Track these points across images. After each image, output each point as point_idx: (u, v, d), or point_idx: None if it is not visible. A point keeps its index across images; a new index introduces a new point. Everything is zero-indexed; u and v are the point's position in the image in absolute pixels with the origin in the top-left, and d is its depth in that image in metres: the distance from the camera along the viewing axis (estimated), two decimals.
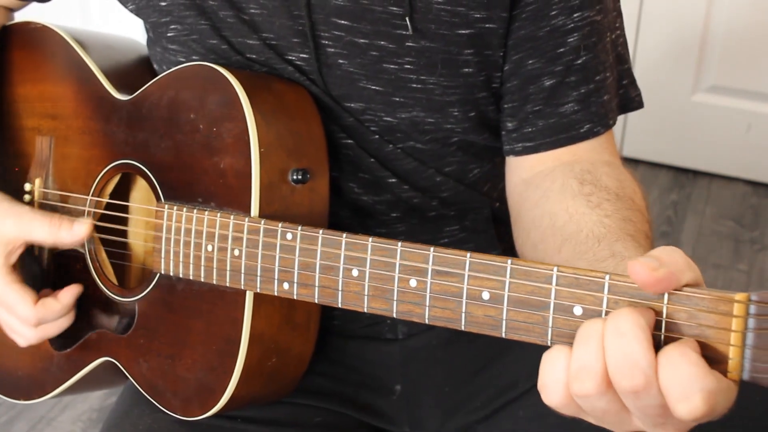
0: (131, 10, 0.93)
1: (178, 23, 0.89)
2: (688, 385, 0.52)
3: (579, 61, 0.84)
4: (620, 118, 0.90)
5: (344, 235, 0.71)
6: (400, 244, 0.67)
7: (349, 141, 0.88)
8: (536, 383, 0.88)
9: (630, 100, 0.92)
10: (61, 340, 0.95)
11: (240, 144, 0.80)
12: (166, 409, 0.87)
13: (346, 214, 0.92)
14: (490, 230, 0.97)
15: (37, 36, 1.00)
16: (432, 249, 0.65)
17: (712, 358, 0.54)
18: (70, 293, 0.91)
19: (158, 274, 0.86)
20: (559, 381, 0.57)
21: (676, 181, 2.58)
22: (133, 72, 0.99)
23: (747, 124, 2.49)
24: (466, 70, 0.85)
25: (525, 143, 0.87)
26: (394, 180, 0.90)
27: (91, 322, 0.93)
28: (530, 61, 0.85)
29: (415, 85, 0.85)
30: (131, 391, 0.93)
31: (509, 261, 0.61)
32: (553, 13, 0.83)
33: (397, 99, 0.86)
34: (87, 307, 0.93)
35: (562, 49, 0.84)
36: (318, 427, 0.93)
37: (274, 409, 0.92)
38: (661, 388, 0.53)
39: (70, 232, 0.89)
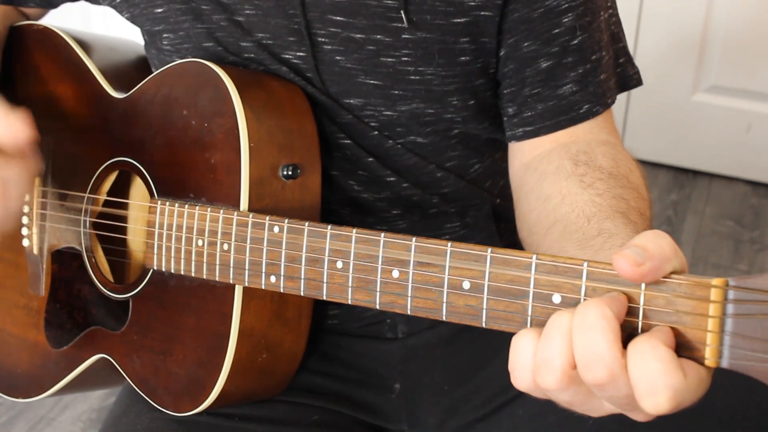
0: (127, 18, 0.94)
1: (171, 32, 0.90)
2: (655, 381, 0.51)
3: (575, 42, 0.84)
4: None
5: (329, 227, 0.71)
6: (383, 235, 0.67)
7: (347, 141, 0.88)
8: None
9: (629, 78, 0.91)
10: (58, 337, 0.96)
11: (230, 139, 0.80)
12: (158, 405, 0.87)
13: (347, 211, 0.92)
14: (491, 227, 0.97)
15: (39, 37, 1.00)
16: (414, 239, 0.65)
17: (690, 344, 0.53)
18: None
19: (151, 270, 0.86)
20: (526, 367, 0.56)
21: (676, 181, 2.57)
22: (131, 71, 0.99)
23: (747, 124, 2.48)
24: (463, 58, 0.85)
25: (525, 128, 0.86)
26: (393, 178, 0.90)
27: (88, 319, 0.93)
28: (526, 44, 0.84)
29: (413, 77, 0.85)
30: (129, 391, 0.93)
31: (489, 250, 0.60)
32: None
33: (396, 92, 0.86)
34: (84, 304, 0.93)
35: (557, 30, 0.83)
36: (316, 426, 0.92)
37: (272, 408, 0.92)
38: (629, 380, 0.52)
39: (9, 124, 0.82)
